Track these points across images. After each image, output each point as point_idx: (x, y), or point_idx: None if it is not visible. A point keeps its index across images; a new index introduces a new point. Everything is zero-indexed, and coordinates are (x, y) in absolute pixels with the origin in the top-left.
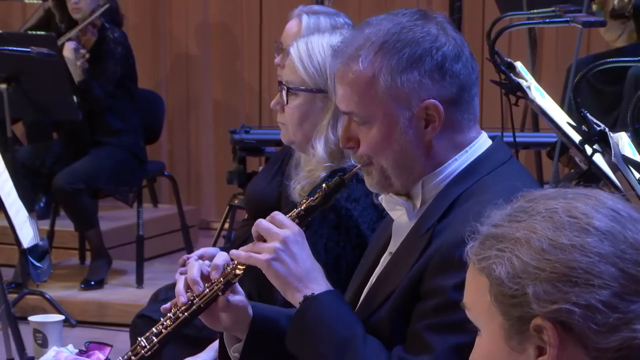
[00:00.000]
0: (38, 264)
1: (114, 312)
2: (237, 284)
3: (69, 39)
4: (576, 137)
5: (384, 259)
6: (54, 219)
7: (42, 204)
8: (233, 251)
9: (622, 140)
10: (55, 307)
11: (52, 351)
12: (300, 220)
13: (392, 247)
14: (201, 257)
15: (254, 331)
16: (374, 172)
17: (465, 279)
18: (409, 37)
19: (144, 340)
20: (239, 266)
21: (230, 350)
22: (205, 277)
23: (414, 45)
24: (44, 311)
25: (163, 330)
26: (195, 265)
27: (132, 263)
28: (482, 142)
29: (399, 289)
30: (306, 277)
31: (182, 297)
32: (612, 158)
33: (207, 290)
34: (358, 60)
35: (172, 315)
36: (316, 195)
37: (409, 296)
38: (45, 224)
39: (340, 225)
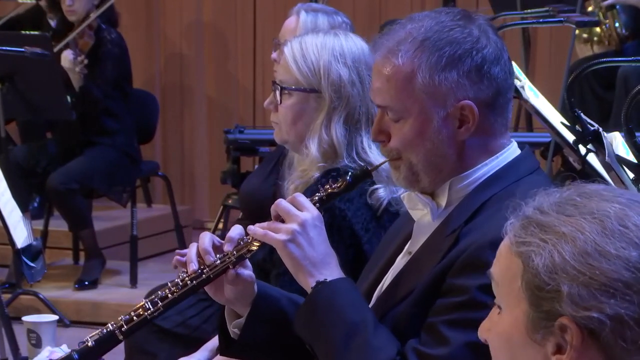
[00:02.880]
0: (32, 264)
1: (107, 312)
2: (247, 259)
3: (67, 44)
4: (570, 137)
5: (402, 259)
6: (47, 219)
7: (35, 204)
8: (250, 227)
9: (616, 140)
10: (49, 307)
11: (45, 351)
12: (321, 204)
13: (412, 246)
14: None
15: (257, 307)
16: (402, 167)
17: (490, 282)
18: (450, 36)
19: (149, 303)
20: (254, 242)
21: (230, 326)
22: (216, 249)
23: (455, 45)
24: (38, 311)
25: (169, 295)
26: (207, 236)
27: (126, 263)
28: (512, 150)
29: (421, 285)
30: (320, 263)
31: (193, 264)
32: (606, 158)
33: (219, 261)
34: (398, 54)
35: (179, 282)
36: (340, 183)
37: (430, 293)
38: (39, 224)
39: (333, 225)
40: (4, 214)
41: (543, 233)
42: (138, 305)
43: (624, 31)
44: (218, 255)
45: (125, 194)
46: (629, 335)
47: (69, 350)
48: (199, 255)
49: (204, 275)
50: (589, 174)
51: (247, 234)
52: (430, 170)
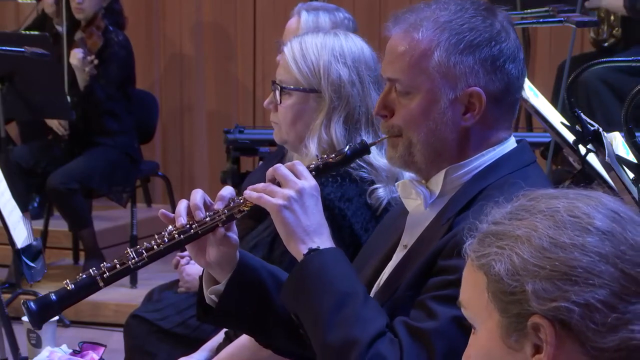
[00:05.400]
0: (32, 264)
1: (107, 312)
2: (234, 224)
3: (74, 42)
4: (570, 137)
5: (398, 253)
6: (47, 219)
7: (35, 204)
8: (246, 191)
9: (616, 140)
10: None
11: (45, 351)
12: (317, 173)
13: (407, 240)
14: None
15: (239, 274)
16: (400, 145)
17: None
18: (472, 23)
19: (133, 252)
20: (246, 203)
21: (206, 291)
22: (207, 207)
23: (475, 32)
24: None
25: (155, 247)
26: (199, 192)
27: None
28: (510, 143)
29: (415, 269)
30: (313, 232)
31: (181, 218)
32: (606, 158)
33: (208, 218)
34: (419, 29)
35: (166, 234)
36: (337, 154)
37: (423, 275)
38: (38, 224)
39: (333, 225)
40: (4, 214)
41: (499, 241)
42: (122, 255)
43: (604, 35)
44: (208, 213)
45: (125, 194)
46: (597, 318)
47: (69, 350)
48: (188, 211)
49: (192, 231)
50: (589, 174)
51: (239, 195)
52: (428, 152)
